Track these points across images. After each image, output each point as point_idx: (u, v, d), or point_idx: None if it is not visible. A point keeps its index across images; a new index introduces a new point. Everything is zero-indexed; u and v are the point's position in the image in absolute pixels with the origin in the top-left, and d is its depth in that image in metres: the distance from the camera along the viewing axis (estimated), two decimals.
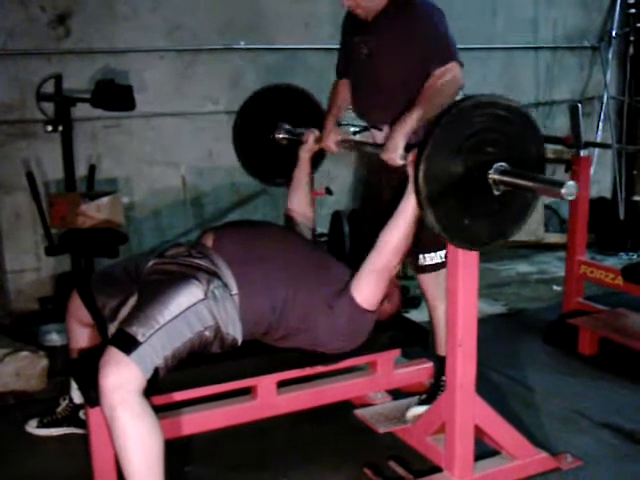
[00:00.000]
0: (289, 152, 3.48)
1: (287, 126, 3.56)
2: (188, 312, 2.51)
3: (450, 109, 2.29)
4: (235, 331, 2.64)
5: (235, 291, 2.65)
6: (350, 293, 2.70)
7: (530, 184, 2.33)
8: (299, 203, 3.36)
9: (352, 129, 4.00)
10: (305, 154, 3.36)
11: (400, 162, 2.76)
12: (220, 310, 2.59)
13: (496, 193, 2.38)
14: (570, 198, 2.23)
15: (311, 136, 3.34)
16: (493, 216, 2.44)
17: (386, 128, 3.10)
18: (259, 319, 2.70)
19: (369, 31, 3.08)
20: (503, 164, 2.35)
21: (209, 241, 2.86)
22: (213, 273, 2.65)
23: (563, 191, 2.21)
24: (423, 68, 2.94)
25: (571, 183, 2.21)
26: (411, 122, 2.81)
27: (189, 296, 2.54)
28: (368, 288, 2.71)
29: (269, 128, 3.58)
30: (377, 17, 3.06)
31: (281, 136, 3.56)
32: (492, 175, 2.35)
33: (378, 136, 3.19)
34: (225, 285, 2.64)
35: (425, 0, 3.04)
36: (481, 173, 2.35)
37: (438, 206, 2.31)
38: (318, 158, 3.51)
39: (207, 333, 2.56)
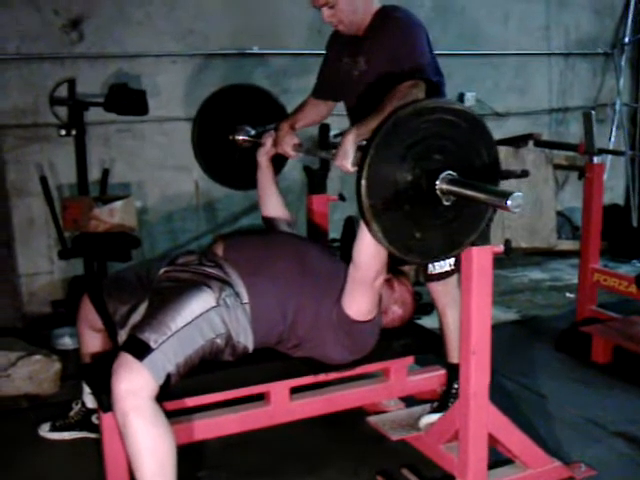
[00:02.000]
0: (253, 155, 3.41)
1: (247, 127, 3.51)
2: (200, 319, 2.52)
3: (391, 116, 2.13)
4: (246, 339, 2.64)
5: (246, 300, 2.65)
6: (341, 307, 2.68)
7: (476, 195, 2.15)
8: (274, 208, 3.34)
9: (332, 132, 3.97)
10: (263, 158, 3.32)
11: (352, 169, 2.61)
12: (231, 318, 2.59)
13: (446, 203, 2.21)
14: (516, 211, 2.08)
15: (269, 139, 3.29)
16: (446, 227, 2.29)
17: None
18: (270, 328, 2.70)
19: (357, 51, 3.07)
20: (451, 172, 2.18)
21: (220, 250, 2.86)
22: (225, 281, 2.66)
23: (509, 203, 2.04)
24: (399, 79, 2.92)
25: (517, 194, 2.05)
26: (365, 129, 2.65)
27: (201, 303, 2.55)
28: (355, 301, 2.67)
29: (229, 130, 3.53)
30: (363, 36, 3.05)
31: (240, 138, 3.50)
32: (440, 185, 2.17)
33: None
34: (237, 294, 2.64)
35: (405, 15, 3.01)
36: (429, 183, 2.17)
37: (383, 220, 2.15)
38: (281, 160, 3.45)
39: (218, 340, 2.57)
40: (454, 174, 2.19)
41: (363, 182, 2.09)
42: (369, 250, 2.52)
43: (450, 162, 2.20)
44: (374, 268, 2.58)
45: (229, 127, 3.53)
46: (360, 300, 2.67)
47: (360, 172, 2.10)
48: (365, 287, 2.63)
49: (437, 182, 2.17)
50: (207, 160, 3.60)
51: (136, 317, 2.68)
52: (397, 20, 2.97)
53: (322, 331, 2.71)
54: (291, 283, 2.73)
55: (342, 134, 3.55)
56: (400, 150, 2.14)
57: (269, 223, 3.33)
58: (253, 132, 3.51)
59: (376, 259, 2.55)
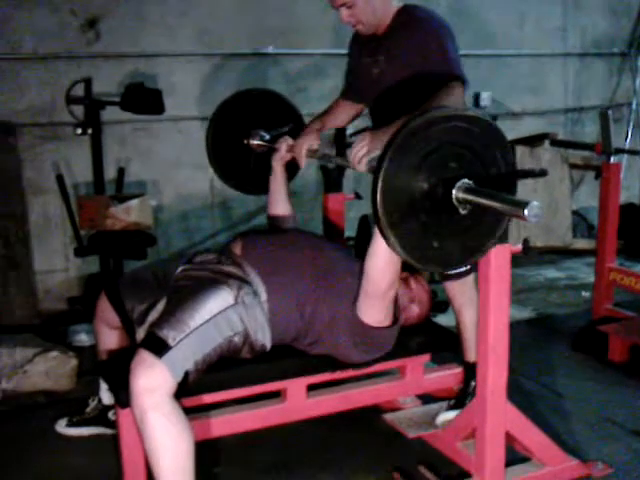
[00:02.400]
0: (267, 160, 3.38)
1: (262, 132, 3.48)
2: (218, 317, 2.52)
3: (405, 126, 2.10)
4: (264, 337, 2.65)
5: (264, 298, 2.66)
6: (356, 313, 2.66)
7: (492, 204, 2.11)
8: (282, 209, 3.32)
9: (349, 131, 3.96)
10: (277, 163, 3.29)
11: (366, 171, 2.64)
12: (250, 316, 2.59)
13: (463, 212, 2.18)
14: (534, 220, 2.04)
15: (283, 145, 3.27)
16: (464, 235, 2.26)
17: None
18: (287, 326, 2.70)
19: (378, 51, 3.06)
20: (467, 181, 2.15)
21: (238, 249, 2.86)
22: (243, 280, 2.66)
23: (526, 212, 2.01)
24: (427, 82, 2.92)
25: (535, 204, 2.01)
26: (384, 135, 2.60)
27: (220, 301, 2.55)
28: (368, 311, 2.65)
29: (244, 134, 3.50)
30: (383, 36, 3.04)
31: (255, 143, 3.48)
32: (456, 194, 2.14)
33: None
34: (255, 292, 2.65)
35: (430, 15, 3.00)
36: (445, 192, 2.14)
37: (400, 231, 2.12)
38: (294, 167, 3.38)
39: (236, 339, 2.57)
40: (470, 182, 2.16)
41: (378, 194, 2.07)
42: (382, 263, 2.51)
43: (466, 170, 2.18)
44: (387, 281, 2.56)
45: (244, 131, 3.51)
46: (373, 311, 2.65)
47: (375, 184, 2.08)
48: (378, 299, 2.62)
49: (453, 191, 2.15)
50: (221, 164, 3.58)
51: (154, 314, 2.68)
52: (422, 20, 2.96)
53: (338, 331, 2.70)
54: (309, 282, 2.73)
55: (359, 132, 3.57)
56: (415, 160, 2.12)
57: (275, 221, 3.31)
58: (268, 137, 3.48)
59: (389, 272, 2.54)
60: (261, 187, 3.44)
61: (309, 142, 3.17)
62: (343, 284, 2.74)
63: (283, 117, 3.59)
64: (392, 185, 2.09)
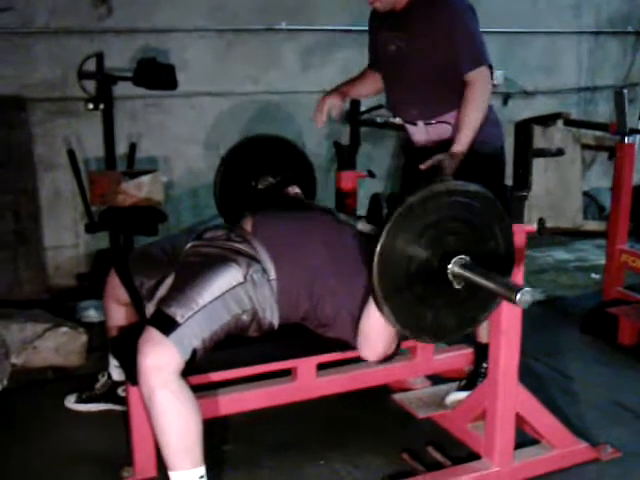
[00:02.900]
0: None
1: (270, 179, 3.47)
2: (227, 295, 2.51)
3: (404, 200, 2.10)
4: (272, 316, 2.64)
5: (273, 276, 2.64)
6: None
7: (486, 284, 2.12)
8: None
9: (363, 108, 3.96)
10: None
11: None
12: (258, 294, 2.58)
13: (457, 287, 2.19)
14: (525, 306, 2.06)
15: (290, 191, 3.33)
16: (459, 307, 2.27)
17: (421, 123, 3.12)
18: (296, 305, 2.69)
19: (397, 27, 3.06)
20: (463, 257, 2.16)
21: (248, 226, 2.85)
22: (252, 257, 2.64)
23: (518, 297, 2.02)
24: (452, 65, 2.93)
25: (527, 290, 2.03)
26: (461, 149, 2.90)
27: (229, 279, 2.53)
28: (368, 349, 2.64)
29: (252, 178, 3.49)
30: (404, 12, 3.03)
31: (263, 187, 3.47)
32: (452, 268, 2.15)
33: (413, 130, 3.20)
34: (264, 270, 2.63)
35: None
36: (441, 266, 2.16)
37: (395, 303, 2.15)
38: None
39: (244, 317, 2.56)
40: (467, 258, 2.17)
41: (375, 266, 2.08)
42: (378, 328, 2.51)
43: (463, 245, 2.19)
44: (383, 342, 2.58)
45: (252, 176, 3.50)
46: (372, 350, 2.64)
47: (372, 257, 2.09)
48: (377, 352, 2.63)
49: (449, 266, 2.16)
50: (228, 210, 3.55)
51: (162, 290, 2.67)
52: (447, 1, 2.97)
53: (344, 323, 2.69)
54: (319, 263, 2.71)
55: (374, 109, 3.57)
56: (413, 233, 2.13)
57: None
58: (274, 181, 3.47)
59: (385, 335, 2.55)
60: None
61: (333, 101, 3.22)
62: (354, 274, 2.70)
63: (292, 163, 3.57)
64: (389, 258, 2.10)
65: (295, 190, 3.32)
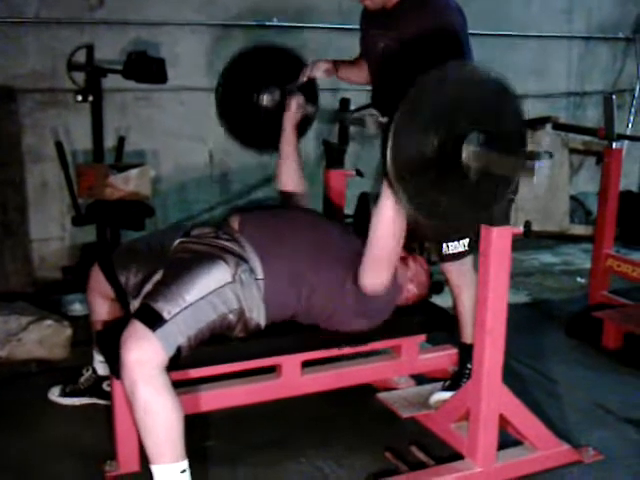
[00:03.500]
0: (279, 118, 3.37)
1: (273, 88, 3.45)
2: (214, 294, 2.50)
3: (416, 83, 2.12)
4: (259, 316, 2.63)
5: (261, 276, 2.64)
6: (357, 281, 2.67)
7: (501, 159, 2.18)
8: (288, 179, 3.32)
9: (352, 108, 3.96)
10: (287, 123, 3.30)
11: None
12: (246, 294, 2.58)
13: (472, 168, 2.20)
14: (544, 175, 2.10)
15: (294, 102, 3.29)
16: (473, 192, 2.28)
17: None
18: (283, 305, 2.70)
19: (384, 25, 3.06)
20: (477, 136, 2.18)
21: (236, 224, 2.84)
22: (241, 257, 2.64)
23: (536, 164, 2.09)
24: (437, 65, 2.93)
25: (545, 156, 2.09)
26: None
27: (217, 278, 2.53)
28: (371, 276, 2.65)
29: (255, 91, 3.48)
30: (394, 11, 3.03)
31: (265, 98, 3.45)
32: (466, 149, 2.18)
33: None
34: (251, 269, 2.63)
35: None
36: (454, 147, 2.18)
37: (409, 184, 2.15)
38: (304, 126, 3.42)
39: (231, 316, 2.55)
40: (480, 137, 2.18)
41: (389, 147, 2.08)
42: (386, 227, 2.52)
43: (476, 126, 2.19)
44: (390, 246, 2.57)
45: (255, 87, 3.49)
46: (377, 274, 2.65)
47: (385, 140, 2.09)
48: (382, 262, 2.62)
49: (463, 146, 2.17)
50: (230, 120, 3.53)
51: (148, 287, 2.65)
52: (437, 4, 2.96)
53: (338, 305, 2.71)
54: (306, 261, 2.72)
55: (362, 109, 3.57)
56: (425, 117, 2.14)
57: (285, 197, 3.30)
58: (278, 93, 3.45)
59: (393, 237, 2.54)
60: (270, 144, 3.45)
61: (323, 63, 3.34)
62: (343, 262, 2.73)
63: (296, 73, 3.49)
64: (402, 141, 2.11)
65: (299, 99, 3.30)
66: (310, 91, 3.48)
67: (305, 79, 3.36)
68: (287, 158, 3.32)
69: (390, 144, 2.09)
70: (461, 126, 2.19)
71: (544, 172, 2.07)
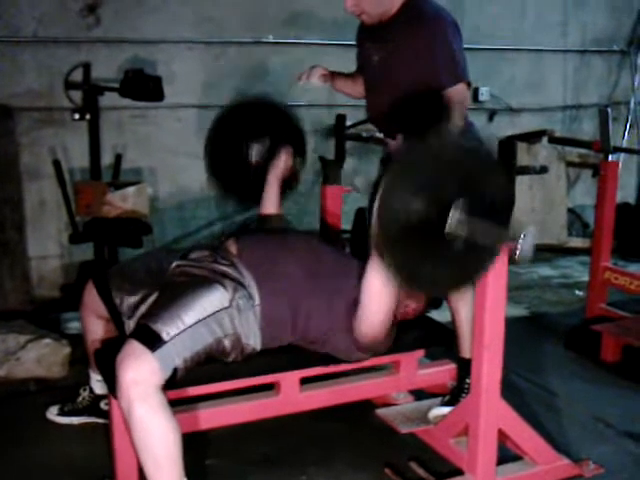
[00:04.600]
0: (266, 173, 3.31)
1: (261, 144, 3.39)
2: (211, 317, 2.49)
3: (405, 151, 2.14)
4: (255, 342, 2.63)
5: (258, 302, 2.63)
6: (353, 330, 2.65)
7: (485, 231, 2.17)
8: (272, 209, 3.28)
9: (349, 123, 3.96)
10: (273, 177, 3.28)
11: None
12: (242, 320, 2.57)
13: (456, 239, 2.17)
14: (526, 258, 2.12)
15: (282, 157, 3.28)
16: (458, 261, 2.25)
17: (399, 137, 3.13)
18: (280, 331, 2.69)
19: (380, 39, 3.08)
20: (463, 207, 2.14)
21: (233, 248, 2.84)
22: (238, 282, 2.63)
23: (520, 239, 2.09)
24: (433, 80, 2.94)
25: (530, 230, 2.10)
26: None
27: (215, 302, 2.52)
28: (365, 329, 2.64)
29: (243, 146, 3.41)
30: (389, 24, 3.05)
31: (254, 154, 3.40)
32: (451, 218, 2.14)
33: (392, 145, 3.21)
34: (249, 295, 2.62)
35: (439, 11, 3.02)
36: (440, 216, 2.14)
37: (395, 252, 2.12)
38: (291, 182, 3.38)
39: (226, 341, 2.54)
40: (466, 207, 2.15)
41: (375, 216, 2.06)
42: (376, 295, 2.53)
43: (463, 196, 2.17)
44: (382, 310, 2.58)
45: (243, 143, 3.43)
46: (369, 332, 2.64)
47: (371, 206, 2.07)
48: (375, 325, 2.62)
49: (448, 215, 2.14)
50: (221, 180, 3.49)
51: (144, 308, 2.66)
52: (432, 17, 2.98)
53: (334, 334, 2.70)
54: (304, 288, 2.71)
55: (359, 124, 3.58)
56: (412, 184, 2.11)
57: (264, 221, 3.29)
58: (267, 149, 3.39)
59: (384, 303, 2.56)
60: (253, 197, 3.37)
61: (320, 69, 3.38)
62: (340, 287, 2.72)
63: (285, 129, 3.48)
64: (388, 209, 2.07)
65: (288, 152, 3.29)
66: (299, 144, 3.44)
67: (302, 83, 3.37)
68: (268, 209, 3.28)
69: (375, 213, 2.07)
70: (447, 195, 2.16)
71: (529, 243, 2.06)
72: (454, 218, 2.14)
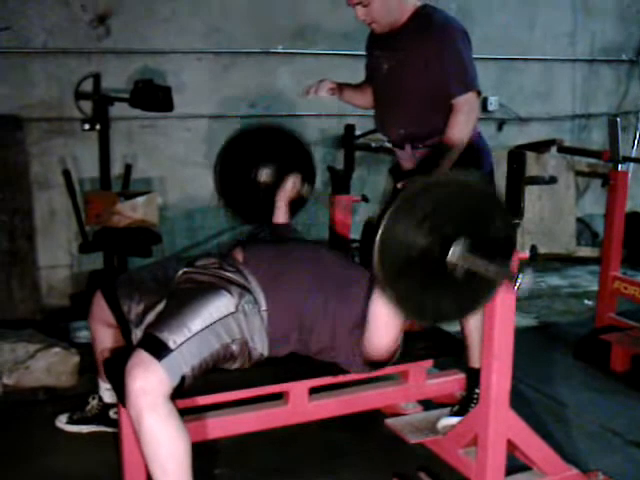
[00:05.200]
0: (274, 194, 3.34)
1: (270, 169, 3.40)
2: (218, 323, 2.49)
3: (405, 189, 2.11)
4: (262, 346, 2.62)
5: (264, 308, 2.64)
6: (359, 347, 2.64)
7: (484, 270, 2.14)
8: (282, 219, 3.32)
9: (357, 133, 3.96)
10: (280, 199, 3.30)
11: None
12: (249, 325, 2.57)
13: (458, 271, 2.16)
14: (524, 293, 2.12)
15: (290, 181, 3.30)
16: (460, 292, 2.24)
17: (408, 147, 3.13)
18: (286, 337, 2.68)
19: (390, 46, 3.09)
20: (463, 242, 2.14)
21: (240, 256, 2.85)
22: (244, 287, 2.64)
23: (518, 280, 2.09)
24: (442, 89, 2.95)
25: (528, 272, 2.09)
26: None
27: (221, 308, 2.53)
28: (372, 352, 2.62)
29: (253, 170, 3.42)
30: (400, 33, 3.06)
31: (263, 179, 3.40)
32: (452, 254, 2.14)
33: (401, 155, 3.21)
34: (255, 301, 2.63)
35: (449, 20, 3.03)
36: (441, 252, 2.14)
37: (397, 288, 2.13)
38: (298, 205, 3.40)
39: (234, 346, 2.54)
40: (466, 245, 2.15)
41: (376, 252, 2.06)
42: (382, 325, 2.52)
43: (463, 233, 2.17)
44: (390, 336, 2.56)
45: (252, 167, 3.44)
46: (380, 348, 2.62)
47: (373, 242, 2.08)
48: (382, 349, 2.61)
49: (449, 251, 2.14)
50: (231, 201, 3.51)
51: (151, 316, 2.66)
52: (443, 27, 2.99)
53: (341, 343, 2.69)
54: (310, 293, 2.70)
55: (367, 134, 3.58)
56: (413, 220, 2.11)
57: (272, 229, 3.30)
58: (275, 172, 3.41)
59: (391, 332, 2.54)
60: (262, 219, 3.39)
61: (328, 82, 3.37)
62: (347, 295, 2.71)
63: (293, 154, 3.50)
64: (389, 244, 2.08)
65: (296, 178, 3.30)
66: (308, 170, 3.45)
67: (310, 97, 3.38)
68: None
69: (376, 249, 2.07)
70: (449, 230, 2.16)
71: (527, 282, 2.07)
72: (455, 254, 2.15)
